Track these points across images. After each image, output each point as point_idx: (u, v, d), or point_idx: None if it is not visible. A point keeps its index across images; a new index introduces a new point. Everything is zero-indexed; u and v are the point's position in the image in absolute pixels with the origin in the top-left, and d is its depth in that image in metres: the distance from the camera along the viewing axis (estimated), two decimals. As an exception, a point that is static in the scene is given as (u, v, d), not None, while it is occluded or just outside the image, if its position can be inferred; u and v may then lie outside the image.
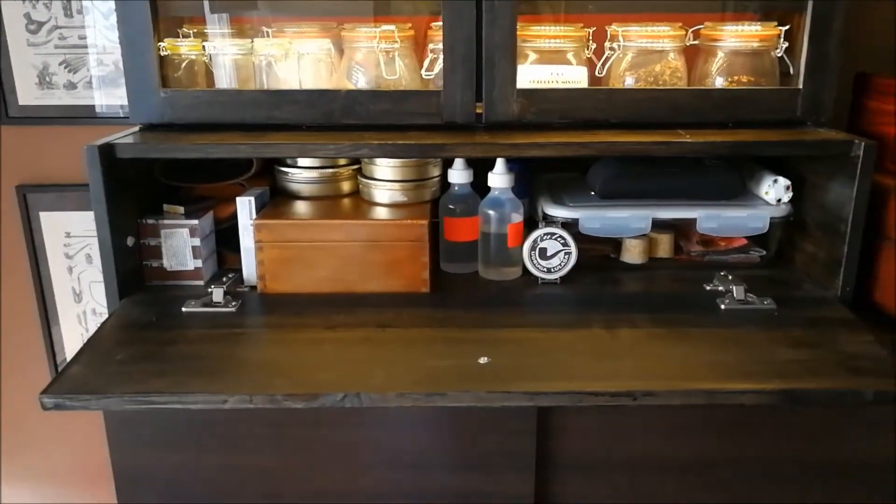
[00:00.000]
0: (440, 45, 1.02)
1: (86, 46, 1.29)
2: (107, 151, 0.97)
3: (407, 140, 0.99)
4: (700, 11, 1.11)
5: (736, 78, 1.08)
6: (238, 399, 0.81)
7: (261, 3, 1.15)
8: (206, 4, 1.11)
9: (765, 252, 1.16)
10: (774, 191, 1.08)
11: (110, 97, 1.31)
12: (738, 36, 1.07)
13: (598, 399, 0.82)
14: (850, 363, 0.86)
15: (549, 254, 1.06)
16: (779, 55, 1.06)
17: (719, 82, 1.09)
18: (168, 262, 1.07)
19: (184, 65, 1.08)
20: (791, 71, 1.06)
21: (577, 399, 0.82)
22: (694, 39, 1.09)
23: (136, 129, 1.07)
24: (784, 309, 0.98)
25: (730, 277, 1.05)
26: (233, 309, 1.00)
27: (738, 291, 1.00)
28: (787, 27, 1.05)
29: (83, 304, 1.43)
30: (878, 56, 1.26)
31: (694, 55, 1.12)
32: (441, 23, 1.01)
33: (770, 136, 1.00)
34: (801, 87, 1.04)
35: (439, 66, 1.04)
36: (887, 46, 1.27)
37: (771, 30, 1.06)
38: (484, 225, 1.08)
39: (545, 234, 1.05)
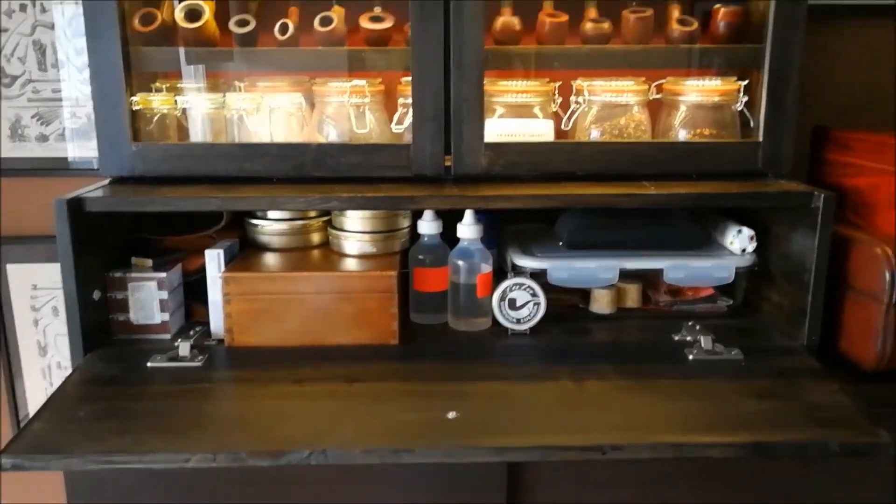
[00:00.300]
0: (410, 100, 1.04)
1: (59, 99, 1.30)
2: (75, 205, 0.97)
3: (377, 192, 1.00)
4: (662, 67, 1.14)
5: (698, 131, 1.11)
6: (201, 458, 0.80)
7: (236, 57, 1.17)
8: (182, 58, 1.13)
9: (731, 301, 1.17)
10: (739, 241, 1.10)
11: (83, 149, 1.32)
12: (700, 90, 1.10)
13: (568, 454, 0.82)
14: (816, 414, 0.86)
15: (518, 304, 1.06)
16: (739, 109, 1.09)
17: (682, 135, 1.11)
18: (135, 316, 1.06)
19: (155, 118, 1.09)
20: (752, 124, 1.09)
21: (546, 454, 0.82)
22: (657, 93, 1.12)
23: (107, 181, 1.07)
24: (751, 359, 0.99)
25: (697, 327, 1.05)
26: (199, 363, 0.98)
27: (705, 342, 1.01)
28: (746, 82, 1.09)
29: (48, 358, 1.40)
30: (836, 110, 1.30)
31: (657, 109, 1.15)
32: (411, 77, 1.03)
33: (732, 187, 1.03)
34: (761, 139, 1.07)
35: (409, 119, 1.06)
36: (844, 100, 1.31)
37: (731, 84, 1.10)
38: (453, 275, 1.08)
39: (514, 285, 1.06)
